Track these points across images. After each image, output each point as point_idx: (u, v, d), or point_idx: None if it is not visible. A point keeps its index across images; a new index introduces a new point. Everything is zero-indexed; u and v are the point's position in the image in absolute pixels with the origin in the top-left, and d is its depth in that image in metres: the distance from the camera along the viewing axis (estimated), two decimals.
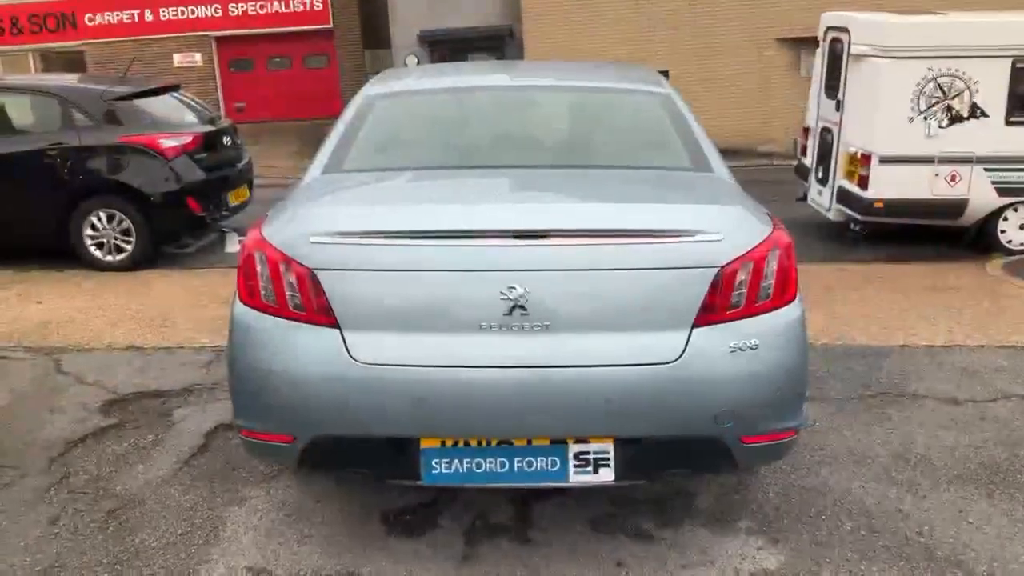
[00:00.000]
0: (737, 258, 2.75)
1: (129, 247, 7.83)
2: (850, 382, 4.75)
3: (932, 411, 4.38)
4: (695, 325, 2.74)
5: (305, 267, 2.76)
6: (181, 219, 8.03)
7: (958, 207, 7.75)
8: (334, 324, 2.75)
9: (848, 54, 8.04)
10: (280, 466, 3.70)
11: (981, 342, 5.38)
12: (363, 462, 2.90)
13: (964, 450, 3.96)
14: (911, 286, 6.77)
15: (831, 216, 8.49)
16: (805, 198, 9.16)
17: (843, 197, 8.19)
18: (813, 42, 9.45)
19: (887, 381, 4.76)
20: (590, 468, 2.81)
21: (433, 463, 2.80)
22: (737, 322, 2.75)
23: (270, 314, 2.80)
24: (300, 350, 2.75)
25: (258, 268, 2.82)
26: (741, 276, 2.75)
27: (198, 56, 21.14)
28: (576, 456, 2.80)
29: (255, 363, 2.81)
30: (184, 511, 3.53)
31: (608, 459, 2.80)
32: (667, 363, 2.70)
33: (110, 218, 7.77)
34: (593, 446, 2.79)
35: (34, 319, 6.17)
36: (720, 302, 2.74)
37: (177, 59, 21.08)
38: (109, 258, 7.84)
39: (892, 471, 3.79)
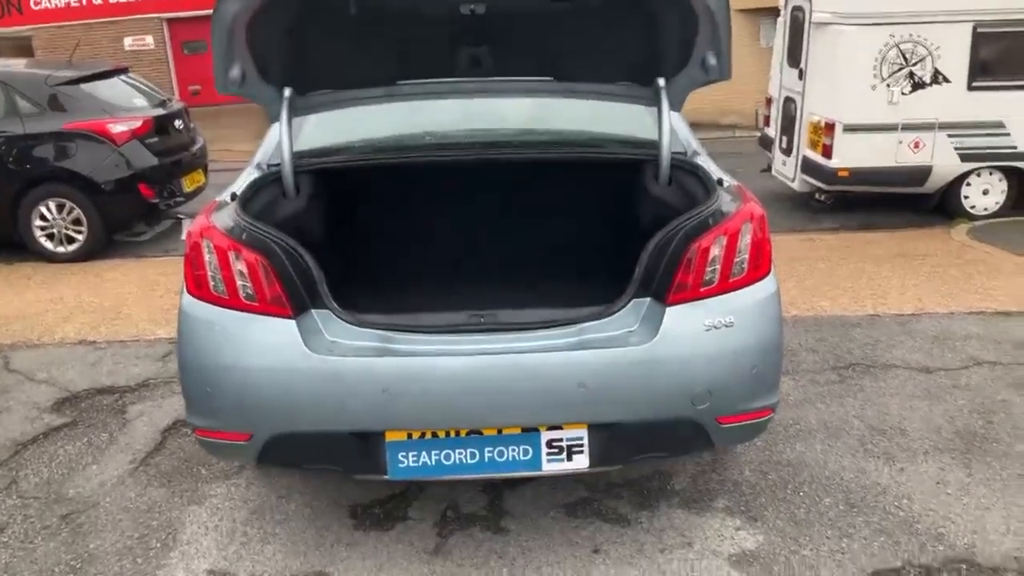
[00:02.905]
0: (708, 233, 2.65)
1: (81, 237, 7.56)
2: (822, 353, 4.70)
3: (905, 381, 4.34)
4: (669, 303, 2.63)
5: (256, 253, 2.61)
6: (133, 206, 7.79)
7: (922, 174, 7.73)
8: (289, 314, 2.61)
9: (810, 22, 7.96)
10: (240, 464, 3.55)
11: (951, 309, 5.36)
12: (325, 458, 2.77)
13: (939, 419, 3.93)
14: (878, 254, 6.74)
15: (796, 187, 8.44)
16: (770, 169, 9.11)
17: (808, 167, 8.14)
18: (772, 12, 9.39)
19: (859, 352, 4.71)
20: (563, 456, 2.70)
21: (399, 457, 2.68)
22: (711, 299, 2.65)
23: (220, 306, 2.64)
24: (253, 343, 2.60)
25: (206, 257, 2.66)
26: (714, 251, 2.64)
27: (149, 39, 20.61)
28: (549, 444, 2.69)
29: (206, 359, 2.66)
30: (141, 513, 3.37)
31: (582, 446, 2.69)
32: (641, 344, 2.60)
33: (60, 208, 7.50)
34: (566, 433, 2.68)
35: None
36: (694, 279, 2.64)
37: (128, 42, 20.55)
38: (60, 249, 7.58)
39: (868, 444, 3.74)
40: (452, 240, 3.82)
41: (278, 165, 3.20)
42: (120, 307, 5.98)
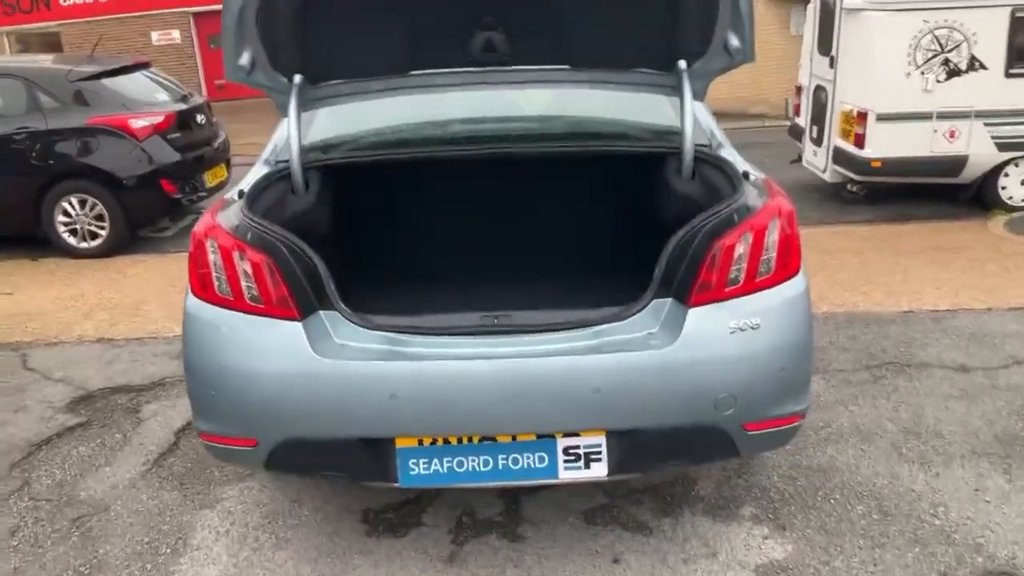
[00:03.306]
0: (734, 230, 2.52)
1: (103, 233, 7.55)
2: (854, 352, 4.53)
3: (941, 381, 4.17)
4: (691, 304, 2.50)
5: (261, 253, 2.52)
6: (155, 202, 7.75)
7: (958, 164, 7.48)
8: (295, 316, 2.51)
9: (841, 8, 7.74)
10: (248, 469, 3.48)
11: (988, 305, 5.17)
12: (334, 465, 2.68)
13: (977, 422, 3.76)
14: (912, 247, 6.54)
15: (827, 177, 8.22)
16: (800, 160, 8.89)
17: (839, 157, 7.92)
18: None
19: (893, 350, 4.54)
20: (581, 463, 2.58)
21: (410, 463, 2.58)
22: (737, 300, 2.52)
23: (225, 307, 2.56)
24: (258, 346, 2.51)
25: (210, 257, 2.57)
26: (740, 249, 2.51)
27: (176, 33, 20.65)
28: (565, 451, 2.58)
29: (211, 362, 2.57)
30: (152, 517, 3.31)
31: (600, 453, 2.57)
32: (662, 347, 2.47)
33: (82, 203, 7.48)
34: (583, 440, 2.57)
35: (2, 312, 5.91)
36: (718, 279, 2.51)
37: (155, 37, 20.60)
38: (83, 245, 7.57)
39: (902, 447, 3.59)
40: (465, 237, 3.71)
41: (287, 161, 3.10)
42: (140, 304, 5.94)
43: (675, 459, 2.75)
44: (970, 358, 4.41)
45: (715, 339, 2.49)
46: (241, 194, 2.89)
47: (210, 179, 8.27)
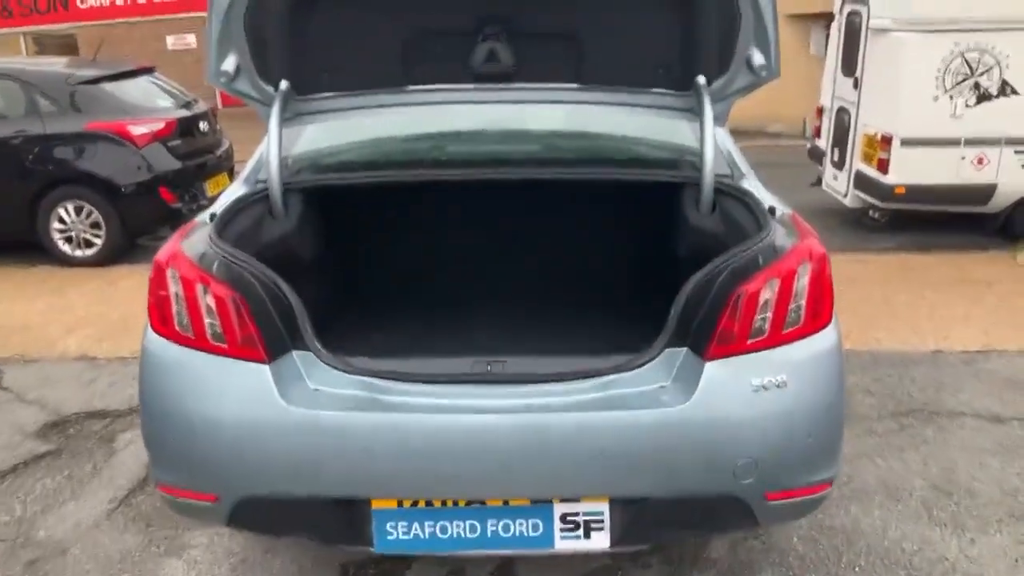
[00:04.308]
0: (759, 274, 2.23)
1: (99, 241, 7.33)
2: (880, 396, 4.23)
3: (974, 431, 3.86)
4: (709, 357, 2.22)
5: (227, 287, 2.25)
6: (154, 211, 7.51)
7: (985, 192, 7.17)
8: (262, 359, 2.24)
9: (867, 28, 7.46)
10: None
11: (1021, 346, 4.84)
12: (302, 526, 2.39)
13: (1014, 480, 3.45)
14: (938, 280, 6.23)
15: (848, 202, 7.92)
16: (820, 183, 8.60)
17: (861, 182, 7.63)
18: (824, 18, 8.88)
19: (920, 395, 4.23)
20: (580, 532, 2.30)
21: (388, 527, 2.30)
22: (761, 353, 2.23)
23: (185, 346, 2.28)
24: (220, 391, 2.24)
25: (171, 289, 2.30)
26: (765, 296, 2.22)
27: (191, 38, 20.51)
28: (563, 518, 2.29)
29: (168, 406, 2.30)
30: (113, 563, 3.04)
31: (602, 521, 2.29)
32: (675, 405, 2.18)
33: (78, 210, 7.26)
34: (584, 506, 2.28)
35: None
36: (740, 329, 2.22)
37: (170, 41, 20.48)
38: (79, 253, 7.35)
39: (933, 508, 3.28)
40: (460, 269, 3.42)
41: (267, 181, 2.83)
42: (128, 319, 5.68)
43: (686, 529, 2.45)
44: (1004, 407, 4.09)
45: (735, 397, 2.20)
46: (213, 217, 2.63)
47: (212, 188, 8.04)
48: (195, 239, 2.46)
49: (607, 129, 3.16)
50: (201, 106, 8.47)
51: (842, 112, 8.04)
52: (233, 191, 2.89)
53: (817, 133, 8.83)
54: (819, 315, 2.29)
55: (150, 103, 7.82)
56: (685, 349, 2.31)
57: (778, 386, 2.21)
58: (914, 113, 7.08)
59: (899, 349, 4.83)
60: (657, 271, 3.15)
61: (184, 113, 7.91)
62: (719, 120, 2.86)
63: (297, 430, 2.19)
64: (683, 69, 2.90)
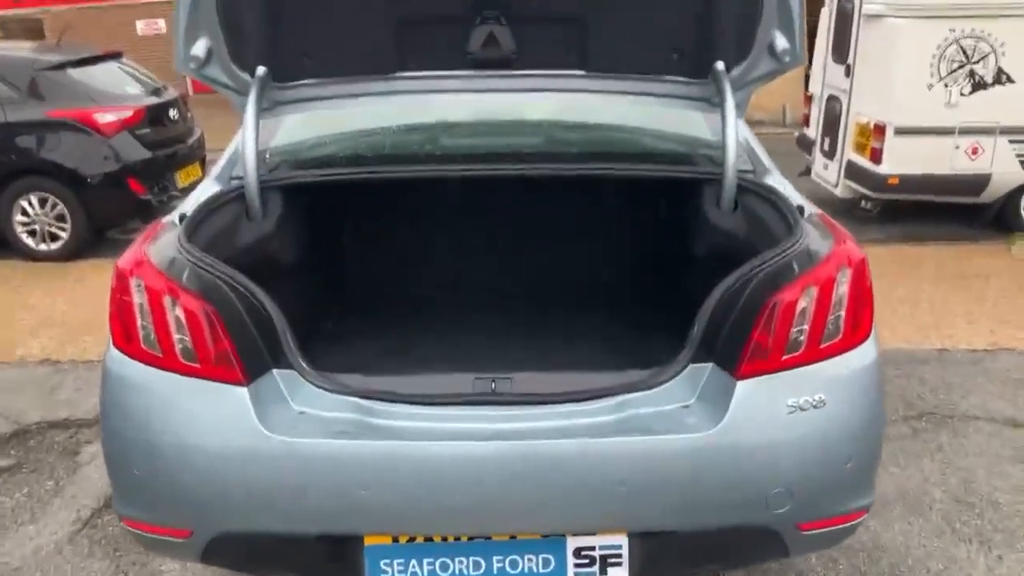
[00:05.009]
0: (795, 281, 2.01)
1: (64, 234, 7.01)
2: (890, 398, 4.01)
3: (990, 437, 3.68)
4: (741, 375, 1.99)
5: (199, 299, 2.00)
6: (122, 203, 7.19)
7: (979, 183, 7.02)
8: (239, 380, 1.99)
9: (860, 14, 7.27)
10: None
11: None
12: (286, 563, 2.14)
13: None
14: (934, 273, 6.06)
15: (838, 193, 7.75)
16: (809, 172, 8.43)
17: (853, 172, 7.46)
18: (812, 2, 8.66)
19: (931, 397, 4.06)
20: (596, 568, 2.07)
21: (382, 565, 2.06)
22: (797, 370, 2.01)
23: (152, 365, 2.03)
24: (192, 416, 1.98)
25: (135, 300, 2.04)
26: (802, 305, 2.01)
27: (162, 23, 19.96)
28: (577, 552, 2.07)
29: (133, 433, 2.04)
30: None
31: (620, 556, 2.06)
32: (704, 430, 1.96)
33: (42, 202, 6.94)
34: (600, 540, 2.06)
35: None
36: (775, 343, 1.99)
37: (140, 27, 19.92)
38: (43, 246, 7.04)
39: (955, 521, 3.10)
40: (459, 275, 3.16)
41: (243, 178, 2.56)
42: (94, 319, 5.37)
43: (711, 563, 2.24)
44: (1018, 410, 3.93)
45: (770, 420, 1.98)
46: (182, 218, 2.36)
47: (183, 178, 7.74)
48: (162, 243, 2.20)
49: (616, 120, 2.92)
50: (171, 93, 8.13)
51: (833, 100, 7.86)
52: (205, 189, 2.62)
53: (806, 121, 8.65)
54: (859, 326, 2.07)
55: (118, 90, 7.49)
56: (711, 365, 2.09)
57: (815, 406, 1.99)
58: (908, 101, 6.91)
59: (903, 348, 4.65)
60: (672, 274, 2.91)
61: (154, 100, 7.60)
62: (739, 110, 2.62)
63: (279, 460, 1.95)
64: (699, 54, 2.65)
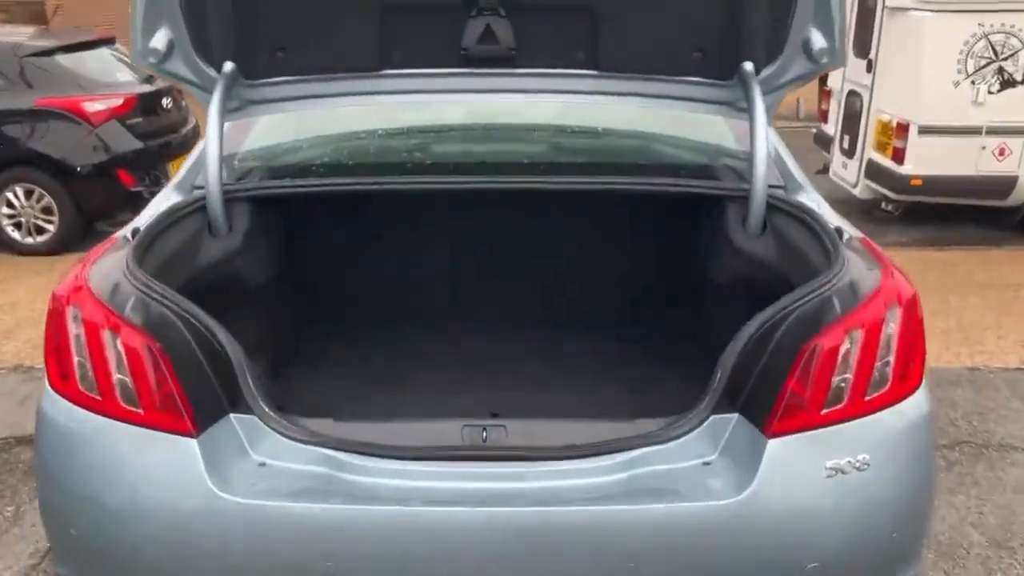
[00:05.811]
0: (837, 322, 1.72)
1: (51, 227, 6.78)
2: None
3: None
4: (773, 432, 1.71)
5: (142, 334, 1.72)
6: (111, 194, 6.94)
7: (1006, 185, 6.73)
8: (188, 430, 1.71)
9: (883, 7, 6.96)
10: None
11: None
12: None
13: None
14: (961, 282, 5.77)
15: (858, 193, 7.47)
16: (826, 171, 8.13)
17: (874, 172, 7.17)
18: None
19: (964, 424, 3.77)
20: None
21: None
22: (839, 427, 1.72)
23: (90, 409, 1.75)
24: (132, 471, 1.71)
25: (71, 333, 1.77)
26: (845, 351, 1.72)
27: None
28: None
29: (70, 487, 1.78)
30: None
31: None
32: (730, 496, 1.68)
33: (28, 194, 6.71)
34: None
35: None
36: (812, 395, 1.71)
37: None
38: (29, 240, 6.81)
39: (995, 569, 2.82)
40: (448, 302, 2.86)
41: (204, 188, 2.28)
42: None
43: None
44: None
45: (806, 485, 1.70)
46: (135, 234, 2.08)
47: (175, 169, 7.39)
48: (107, 265, 1.92)
49: (629, 127, 2.62)
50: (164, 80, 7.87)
51: (853, 96, 7.56)
52: (164, 199, 2.34)
53: (824, 117, 8.36)
54: (909, 375, 1.79)
55: (108, 77, 7.22)
56: (736, 416, 1.81)
57: (859, 469, 1.71)
58: (933, 99, 6.63)
59: (933, 366, 4.33)
60: (689, 304, 2.61)
61: (146, 88, 7.31)
62: (768, 115, 2.31)
63: (234, 524, 1.68)
64: (725, 53, 2.34)
